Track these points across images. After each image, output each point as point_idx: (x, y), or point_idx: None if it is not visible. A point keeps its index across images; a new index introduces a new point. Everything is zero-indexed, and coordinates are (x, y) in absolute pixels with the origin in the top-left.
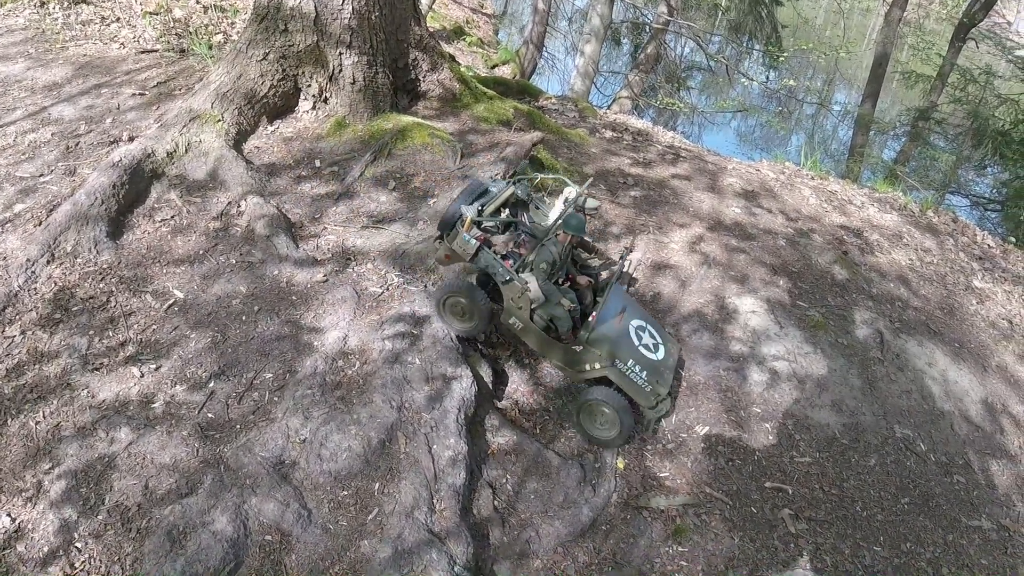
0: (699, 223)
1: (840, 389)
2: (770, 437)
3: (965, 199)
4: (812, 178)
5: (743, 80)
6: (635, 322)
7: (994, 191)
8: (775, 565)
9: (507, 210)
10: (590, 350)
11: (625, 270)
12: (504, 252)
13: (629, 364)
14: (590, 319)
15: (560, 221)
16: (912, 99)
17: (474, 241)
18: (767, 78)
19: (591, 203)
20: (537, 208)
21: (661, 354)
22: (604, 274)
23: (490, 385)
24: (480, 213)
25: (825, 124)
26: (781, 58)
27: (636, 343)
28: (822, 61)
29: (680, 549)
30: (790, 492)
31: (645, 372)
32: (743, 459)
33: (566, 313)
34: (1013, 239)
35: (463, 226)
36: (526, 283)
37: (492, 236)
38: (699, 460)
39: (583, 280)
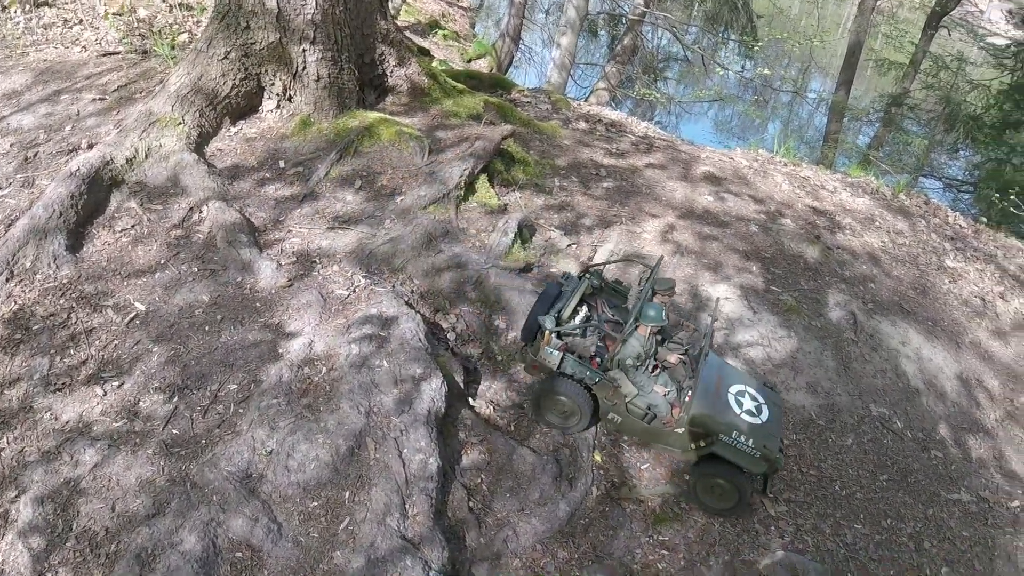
0: (672, 212)
1: (815, 371)
2: None
3: (938, 182)
4: (785, 165)
5: (719, 70)
6: (734, 388)
7: (966, 173)
8: (756, 548)
9: (586, 304)
10: (692, 430)
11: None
12: (590, 353)
13: (734, 436)
14: (686, 399)
15: (638, 313)
16: (885, 86)
17: (556, 353)
18: (743, 67)
19: (666, 283)
20: (615, 291)
21: (765, 415)
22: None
23: (462, 384)
24: (558, 322)
25: (800, 112)
26: (756, 47)
27: (738, 411)
28: (797, 50)
29: (661, 538)
30: None
31: (751, 440)
32: None
33: (662, 399)
34: (985, 219)
35: (544, 339)
36: (615, 381)
37: (575, 340)
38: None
39: (673, 359)
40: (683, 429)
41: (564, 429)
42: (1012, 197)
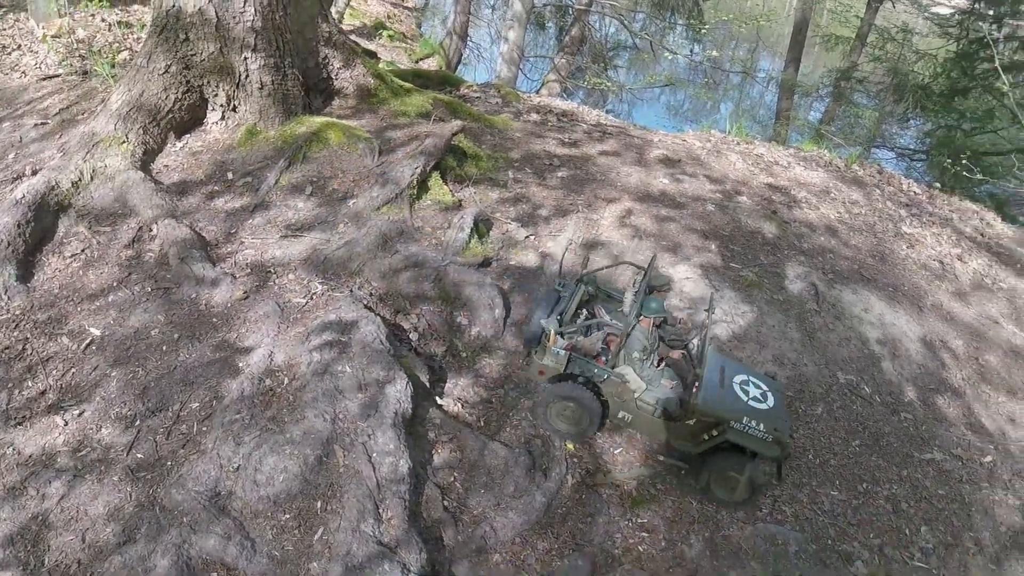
0: (628, 197)
1: (780, 343)
2: None
3: (891, 152)
4: (738, 144)
5: (668, 55)
6: (738, 378)
7: (918, 142)
8: (735, 523)
9: (584, 310)
10: (703, 420)
11: (711, 327)
12: (595, 352)
13: (744, 422)
14: (694, 390)
15: (639, 307)
16: (833, 61)
17: (563, 352)
18: (691, 51)
19: (661, 279)
20: (610, 297)
21: (771, 401)
22: (695, 340)
23: (428, 384)
24: (560, 323)
25: (751, 92)
26: (704, 31)
27: (745, 399)
28: (744, 31)
29: (640, 521)
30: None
31: (762, 424)
32: None
33: (671, 392)
34: (939, 184)
35: (549, 340)
36: (623, 376)
37: (578, 340)
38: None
39: (676, 354)
40: (693, 421)
41: (576, 435)
42: (964, 161)
